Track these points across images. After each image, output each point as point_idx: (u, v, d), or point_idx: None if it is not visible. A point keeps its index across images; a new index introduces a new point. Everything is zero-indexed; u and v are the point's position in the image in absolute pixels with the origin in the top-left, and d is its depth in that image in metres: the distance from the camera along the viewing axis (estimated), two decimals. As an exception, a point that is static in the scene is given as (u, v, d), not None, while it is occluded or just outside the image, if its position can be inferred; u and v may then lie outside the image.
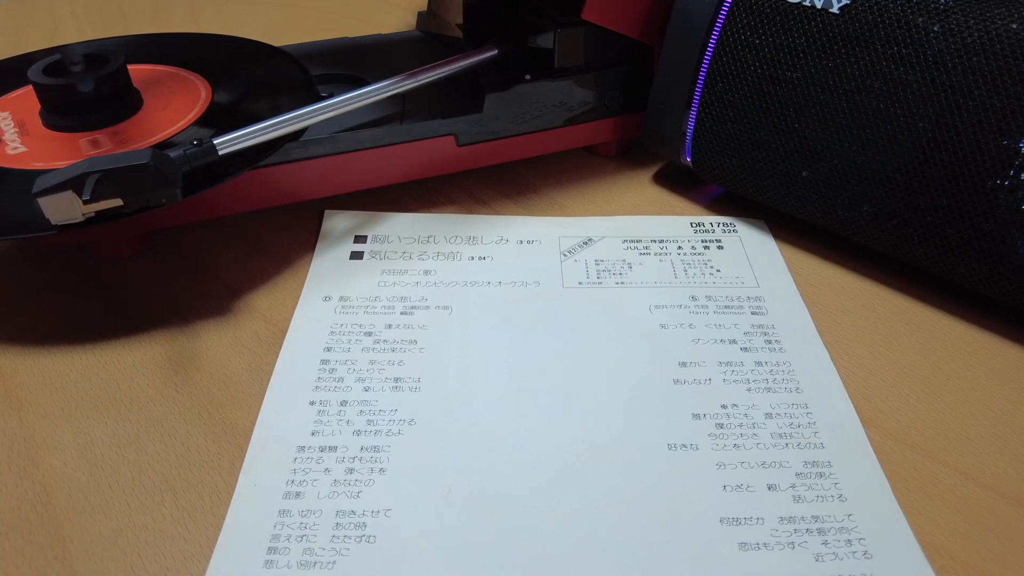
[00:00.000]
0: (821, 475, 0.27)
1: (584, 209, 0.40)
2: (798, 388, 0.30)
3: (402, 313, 0.33)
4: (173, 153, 0.30)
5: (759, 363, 0.31)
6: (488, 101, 0.38)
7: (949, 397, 0.30)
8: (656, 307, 0.33)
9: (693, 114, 0.38)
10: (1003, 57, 0.29)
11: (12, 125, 0.35)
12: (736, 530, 0.25)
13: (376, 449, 0.28)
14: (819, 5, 0.33)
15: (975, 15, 0.30)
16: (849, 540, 0.25)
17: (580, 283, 0.35)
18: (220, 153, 0.31)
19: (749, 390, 0.30)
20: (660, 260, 0.36)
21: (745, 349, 0.31)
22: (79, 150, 0.33)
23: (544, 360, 0.31)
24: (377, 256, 0.36)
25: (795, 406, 0.29)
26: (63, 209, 0.28)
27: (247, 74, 0.39)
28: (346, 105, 0.35)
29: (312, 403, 0.29)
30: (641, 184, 0.42)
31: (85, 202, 0.28)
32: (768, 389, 0.30)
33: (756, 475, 0.27)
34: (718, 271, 0.35)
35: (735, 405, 0.29)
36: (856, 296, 0.35)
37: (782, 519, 0.25)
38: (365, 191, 0.39)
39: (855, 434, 0.28)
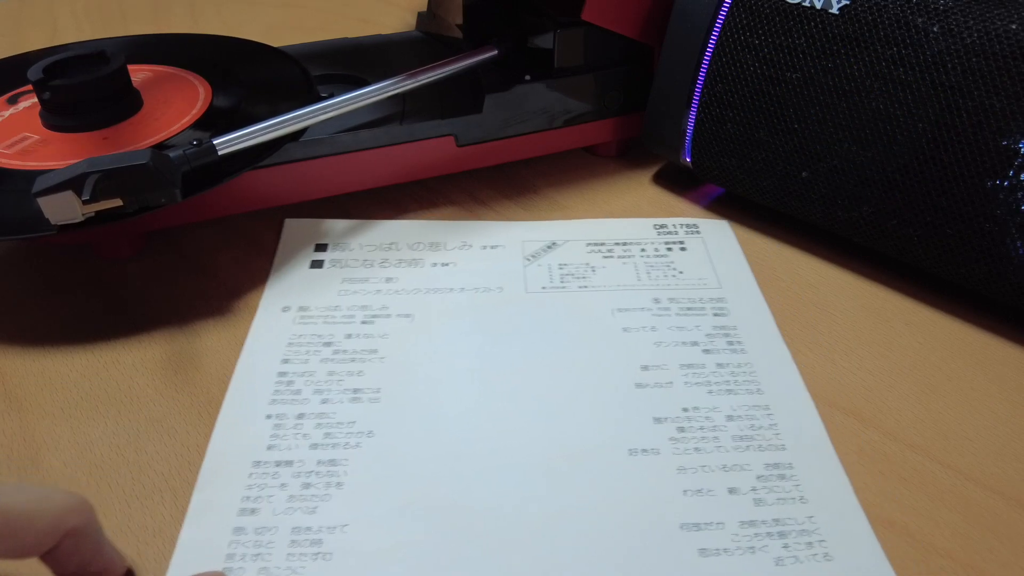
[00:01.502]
0: (782, 477, 0.27)
1: (584, 209, 0.40)
2: (759, 389, 0.30)
3: (362, 322, 0.32)
4: (173, 153, 0.30)
5: (721, 365, 0.31)
6: (488, 101, 0.38)
7: (948, 397, 0.30)
8: (619, 310, 0.33)
9: (693, 114, 0.38)
10: (1003, 58, 0.29)
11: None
12: (697, 536, 0.25)
13: (333, 463, 0.27)
14: (819, 6, 0.33)
15: (975, 16, 0.30)
16: (810, 543, 0.25)
17: (543, 288, 0.34)
18: (220, 153, 0.31)
19: (711, 392, 0.30)
20: (623, 263, 0.36)
21: (707, 351, 0.31)
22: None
23: (506, 366, 0.31)
24: (338, 264, 0.35)
25: (756, 407, 0.29)
26: (63, 209, 0.28)
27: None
28: (346, 105, 0.35)
29: (269, 416, 0.29)
30: (641, 184, 0.42)
31: (85, 202, 0.28)
32: (729, 391, 0.30)
33: (717, 479, 0.26)
34: (681, 273, 0.35)
35: (696, 408, 0.29)
36: (856, 296, 0.35)
37: (743, 523, 0.25)
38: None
39: (816, 433, 0.28)
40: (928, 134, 0.31)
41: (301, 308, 0.33)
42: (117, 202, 0.28)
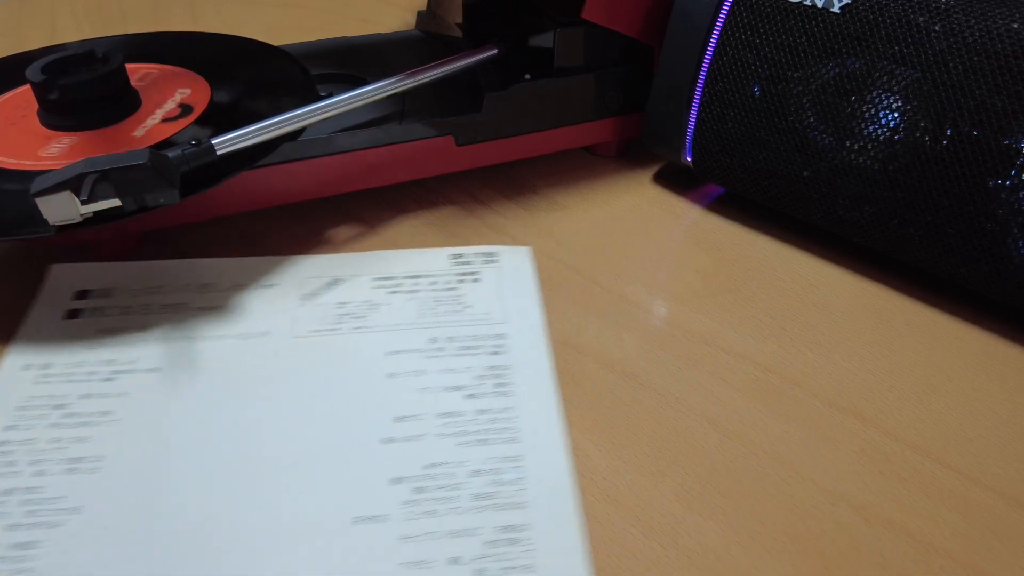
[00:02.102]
0: (514, 541, 0.24)
1: (584, 209, 0.40)
2: (516, 438, 0.27)
3: (104, 379, 0.29)
4: (171, 153, 0.30)
5: (482, 411, 0.28)
6: (488, 101, 0.38)
7: (949, 397, 0.30)
8: (390, 353, 0.31)
9: (693, 114, 0.37)
10: (1004, 57, 0.29)
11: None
12: None
13: (26, 546, 0.24)
14: (820, 5, 0.33)
15: (976, 15, 0.30)
16: None
17: (315, 331, 0.32)
18: (218, 153, 0.31)
19: (462, 444, 0.27)
20: (409, 299, 0.33)
21: (471, 396, 0.29)
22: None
23: (245, 426, 0.28)
24: (97, 313, 0.32)
25: (507, 459, 0.27)
26: (61, 209, 0.28)
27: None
28: (345, 105, 0.35)
29: None
30: (641, 184, 0.42)
31: (83, 202, 0.28)
32: (483, 441, 0.27)
33: (441, 548, 0.24)
34: (468, 307, 0.33)
35: (442, 463, 0.27)
36: (856, 296, 0.35)
37: None
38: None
39: (562, 490, 0.26)
40: (929, 133, 0.31)
41: (44, 366, 0.30)
42: (115, 202, 0.28)
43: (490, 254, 0.36)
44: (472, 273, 0.35)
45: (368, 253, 0.36)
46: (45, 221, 0.28)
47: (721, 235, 0.38)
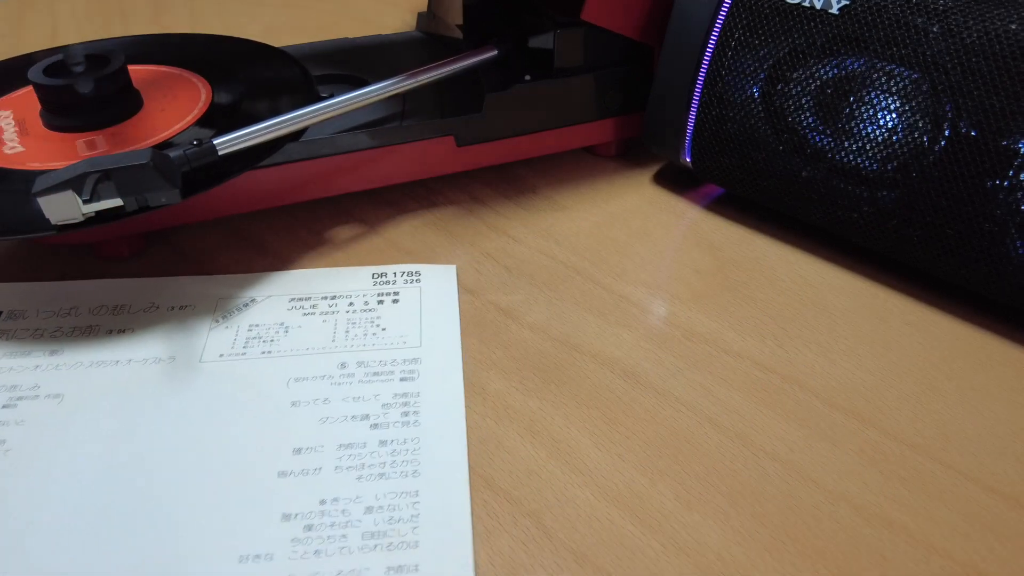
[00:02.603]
0: None
1: (584, 209, 0.40)
2: (417, 471, 0.26)
3: (3, 406, 0.28)
4: (173, 153, 0.30)
5: (384, 442, 0.27)
6: (488, 101, 0.38)
7: (948, 397, 0.30)
8: (296, 380, 0.29)
9: (693, 114, 0.38)
10: (1002, 58, 0.29)
11: (12, 124, 0.35)
12: None
13: None
14: (818, 6, 0.33)
15: (974, 16, 0.30)
16: None
17: (222, 355, 0.30)
18: (220, 153, 0.31)
19: (360, 478, 0.26)
20: (324, 321, 0.32)
21: (375, 425, 0.28)
22: (79, 150, 0.33)
23: (140, 458, 0.26)
24: (5, 336, 0.31)
25: (405, 495, 0.25)
26: (63, 209, 0.28)
27: (247, 74, 0.39)
28: (346, 105, 0.35)
29: None
30: (641, 184, 0.42)
31: (85, 202, 0.28)
32: (382, 475, 0.26)
33: None
34: (383, 330, 0.32)
35: (336, 499, 0.25)
36: (856, 296, 0.35)
37: None
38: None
39: (459, 531, 0.25)
40: (928, 134, 0.31)
41: None
42: (117, 202, 0.28)
43: (413, 273, 0.35)
44: (393, 293, 0.33)
45: (290, 272, 0.35)
46: (47, 220, 0.28)
47: (721, 235, 0.38)
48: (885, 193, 0.33)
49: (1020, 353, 0.32)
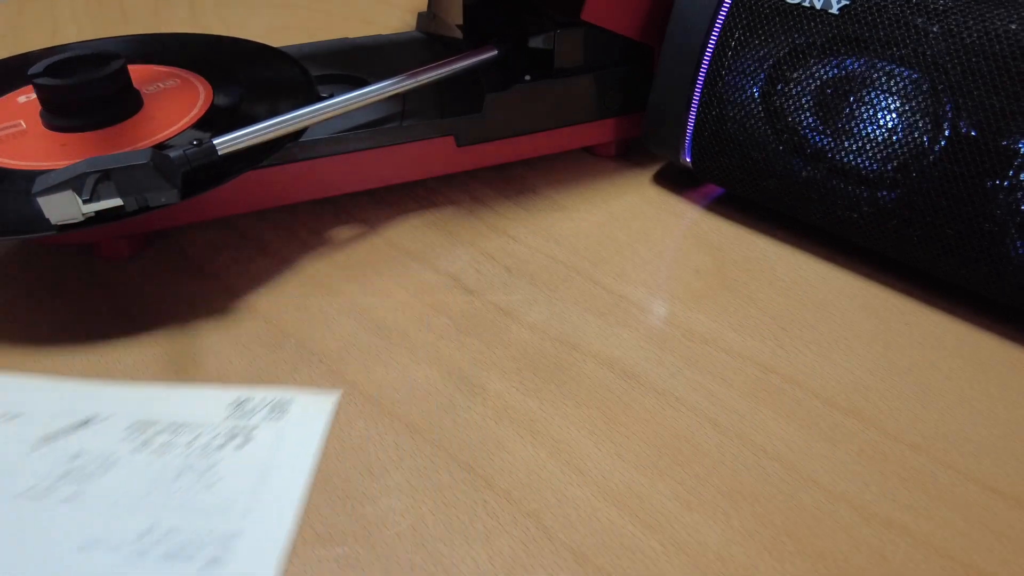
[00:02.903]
0: None
1: (584, 209, 0.40)
2: None
3: None
4: (173, 153, 0.30)
5: None
6: (488, 101, 0.38)
7: (948, 397, 0.30)
8: (86, 545, 0.24)
9: (693, 114, 0.38)
10: (1002, 58, 0.29)
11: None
12: None
13: None
14: (818, 6, 0.33)
15: (974, 16, 0.30)
16: None
17: (28, 490, 0.25)
18: (220, 153, 0.31)
19: None
20: (153, 460, 0.26)
21: None
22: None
23: None
24: None
25: None
26: (63, 209, 0.28)
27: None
28: (346, 105, 0.35)
29: None
30: (641, 184, 0.42)
31: (85, 202, 0.28)
32: None
33: None
34: (212, 487, 0.25)
35: None
36: (856, 296, 0.35)
37: None
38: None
39: None
40: (928, 134, 0.31)
41: None
42: (117, 202, 0.28)
43: (282, 404, 0.29)
44: (246, 431, 0.27)
45: (147, 386, 0.30)
46: (47, 220, 0.28)
47: (721, 235, 0.38)
48: (885, 193, 0.33)
49: (1020, 353, 0.32)
